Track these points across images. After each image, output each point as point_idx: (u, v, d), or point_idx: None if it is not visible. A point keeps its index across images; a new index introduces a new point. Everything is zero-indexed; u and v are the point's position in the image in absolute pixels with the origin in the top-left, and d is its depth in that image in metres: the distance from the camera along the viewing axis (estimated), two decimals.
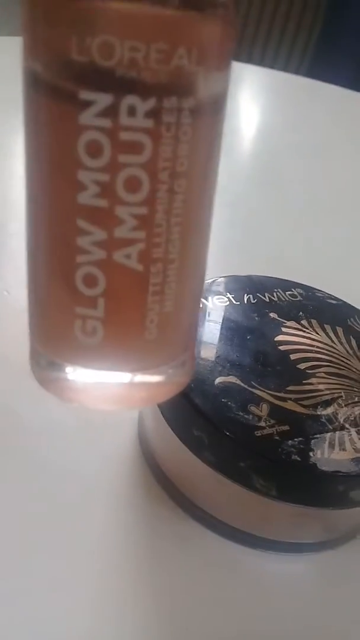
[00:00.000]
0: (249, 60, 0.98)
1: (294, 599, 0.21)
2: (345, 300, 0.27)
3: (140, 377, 0.15)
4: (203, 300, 0.25)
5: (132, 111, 0.11)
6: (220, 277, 0.27)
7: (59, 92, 0.11)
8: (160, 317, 0.14)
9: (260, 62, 1.43)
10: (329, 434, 0.21)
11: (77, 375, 0.15)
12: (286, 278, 0.28)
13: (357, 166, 0.60)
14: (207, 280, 0.26)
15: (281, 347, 0.23)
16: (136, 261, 0.13)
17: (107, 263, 0.13)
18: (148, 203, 0.12)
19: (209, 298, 0.25)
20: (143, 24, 0.11)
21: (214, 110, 0.13)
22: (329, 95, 0.83)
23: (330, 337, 0.25)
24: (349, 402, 0.22)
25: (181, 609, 0.20)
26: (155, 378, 0.15)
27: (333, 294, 0.27)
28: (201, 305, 0.16)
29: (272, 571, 0.22)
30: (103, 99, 0.11)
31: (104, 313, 0.14)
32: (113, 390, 0.15)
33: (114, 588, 0.20)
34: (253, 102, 0.77)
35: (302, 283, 0.28)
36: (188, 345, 0.16)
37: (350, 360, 0.24)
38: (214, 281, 0.26)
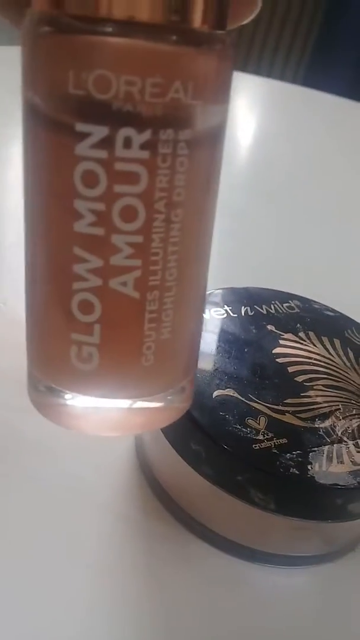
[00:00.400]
0: (245, 69, 0.98)
1: (293, 613, 0.21)
2: (342, 312, 0.27)
3: (139, 404, 0.15)
4: None
5: (127, 143, 0.12)
6: (218, 289, 0.27)
7: (56, 124, 0.12)
8: (157, 344, 0.14)
9: (257, 70, 1.43)
10: (326, 446, 0.21)
11: (75, 401, 0.15)
12: (284, 289, 0.28)
13: (353, 175, 0.60)
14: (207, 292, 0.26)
15: (279, 360, 0.23)
16: (132, 288, 0.13)
17: (103, 290, 0.13)
18: (144, 232, 0.13)
19: (207, 310, 0.25)
20: (138, 58, 0.11)
21: (211, 141, 0.13)
22: (325, 104, 0.83)
23: (327, 349, 0.25)
24: (347, 414, 0.22)
25: (179, 624, 0.20)
26: (154, 404, 0.15)
27: (331, 306, 0.27)
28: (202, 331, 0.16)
29: (271, 585, 0.22)
30: (99, 131, 0.11)
31: (100, 339, 0.14)
32: (111, 417, 0.15)
33: (110, 601, 0.20)
34: (249, 110, 0.77)
35: (300, 295, 0.28)
36: (188, 371, 0.16)
37: (348, 373, 0.24)
38: (211, 293, 0.26)
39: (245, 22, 0.15)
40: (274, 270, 0.37)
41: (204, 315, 0.25)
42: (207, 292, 0.26)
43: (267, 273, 0.36)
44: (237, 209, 0.48)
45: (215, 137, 0.13)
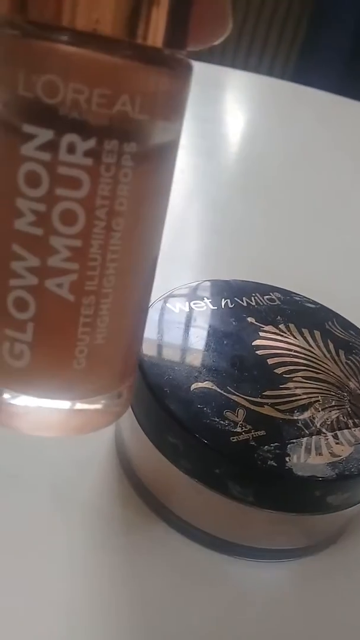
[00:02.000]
0: (233, 64, 0.98)
1: (274, 607, 0.21)
2: (323, 304, 0.27)
3: (78, 406, 0.15)
4: (181, 305, 0.25)
5: (71, 148, 0.12)
6: (198, 282, 0.26)
7: (4, 124, 0.12)
8: (91, 348, 0.14)
9: (245, 66, 1.43)
10: (305, 438, 0.20)
11: (15, 400, 0.14)
12: (267, 282, 0.28)
13: (340, 170, 0.60)
14: (186, 285, 0.26)
15: (258, 352, 0.23)
16: (68, 291, 0.13)
17: (39, 289, 0.13)
18: (83, 237, 0.13)
19: (187, 303, 0.25)
20: (88, 68, 0.11)
21: (159, 156, 0.13)
22: (313, 99, 0.83)
23: (308, 341, 0.24)
24: (326, 406, 0.22)
25: (158, 617, 0.20)
26: (88, 407, 0.15)
27: (313, 298, 0.27)
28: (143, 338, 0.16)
29: (251, 579, 0.22)
30: (44, 134, 0.12)
31: (32, 338, 0.14)
32: (49, 417, 0.15)
33: (89, 595, 0.20)
34: (237, 106, 0.77)
35: (282, 287, 0.28)
36: (125, 377, 0.16)
37: (328, 364, 0.24)
38: (192, 286, 0.26)
39: (215, 43, 0.15)
40: (258, 264, 0.37)
41: (184, 306, 0.25)
42: (188, 285, 0.26)
43: (252, 267, 0.36)
44: (224, 204, 0.48)
45: (164, 153, 0.13)
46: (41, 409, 0.15)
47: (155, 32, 0.12)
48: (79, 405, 0.15)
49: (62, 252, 0.13)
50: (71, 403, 0.15)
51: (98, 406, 0.15)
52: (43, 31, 0.11)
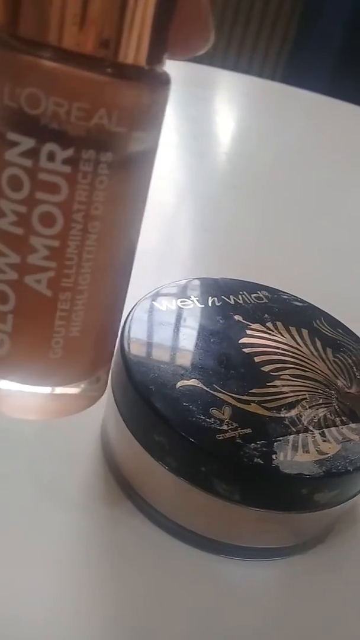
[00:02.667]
0: (224, 65, 0.98)
1: (261, 606, 0.21)
2: (311, 302, 0.27)
3: (57, 390, 0.16)
4: (168, 303, 0.25)
5: (51, 156, 0.13)
6: (185, 279, 0.26)
7: None
8: (66, 340, 0.15)
9: (235, 67, 1.43)
10: (292, 436, 0.20)
11: None
12: (257, 281, 0.27)
13: (330, 171, 0.60)
14: (173, 283, 0.26)
15: (245, 350, 0.23)
16: (45, 287, 0.14)
17: (18, 284, 0.14)
18: (61, 238, 0.14)
19: (174, 301, 0.25)
20: (68, 83, 0.12)
21: (135, 165, 0.14)
22: (303, 100, 0.83)
23: (295, 339, 0.24)
24: (313, 404, 0.22)
25: (143, 617, 0.19)
26: (67, 391, 0.16)
27: (301, 297, 0.27)
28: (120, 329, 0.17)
29: (238, 578, 0.21)
30: (26, 142, 0.13)
31: (12, 328, 0.15)
32: (26, 401, 0.16)
33: (75, 594, 0.19)
34: (228, 107, 0.77)
35: (271, 286, 0.27)
36: (100, 365, 0.17)
37: (315, 362, 0.24)
38: (179, 284, 0.26)
39: (198, 54, 0.15)
40: (248, 263, 0.37)
41: (171, 304, 0.24)
42: (175, 283, 0.26)
43: (242, 265, 0.36)
44: (214, 203, 0.48)
45: (140, 161, 0.14)
46: (22, 392, 0.16)
47: (135, 51, 0.13)
48: (58, 390, 0.16)
49: (41, 251, 0.14)
50: (51, 388, 0.16)
51: (76, 391, 0.16)
52: (29, 47, 0.12)
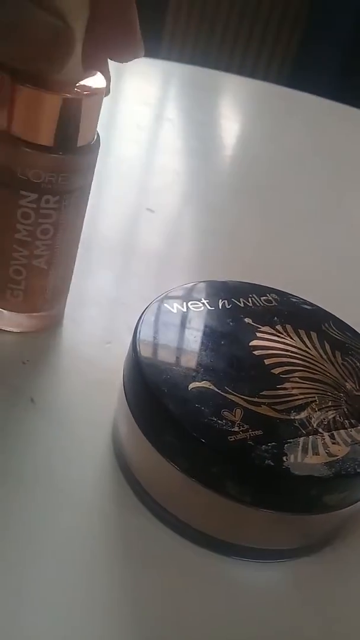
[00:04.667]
0: (228, 69, 0.98)
1: (269, 606, 0.21)
2: (319, 305, 0.27)
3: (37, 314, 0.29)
4: (178, 305, 0.25)
5: (47, 201, 0.24)
6: (196, 282, 0.27)
7: (9, 188, 0.24)
8: (51, 290, 0.28)
9: (240, 71, 1.44)
10: (302, 438, 0.20)
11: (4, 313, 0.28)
12: (263, 284, 0.28)
13: (334, 175, 0.60)
14: (183, 286, 0.26)
15: (255, 352, 0.23)
16: (44, 264, 0.26)
17: (28, 265, 0.26)
18: (51, 240, 0.26)
19: (184, 303, 0.25)
20: (49, 164, 0.23)
21: (81, 194, 0.25)
22: (308, 104, 0.83)
23: (304, 342, 0.25)
24: (323, 406, 0.22)
25: (154, 618, 0.20)
26: (45, 314, 0.29)
27: (309, 300, 0.27)
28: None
29: (247, 578, 0.22)
30: (32, 195, 0.24)
31: (24, 287, 0.27)
32: (19, 320, 0.28)
33: (85, 596, 0.20)
34: (233, 110, 0.78)
35: (278, 289, 0.28)
36: (56, 301, 0.29)
37: (324, 365, 0.24)
38: (189, 287, 0.26)
39: (127, 62, 0.23)
40: (255, 266, 0.37)
41: (182, 307, 0.25)
42: (186, 286, 0.26)
43: (249, 268, 0.36)
44: (220, 206, 0.48)
45: (81, 192, 0.25)
46: (18, 315, 0.28)
47: (66, 142, 0.23)
48: (44, 313, 0.29)
49: (40, 247, 0.26)
50: (37, 314, 0.28)
51: (50, 313, 0.29)
52: (27, 143, 0.23)
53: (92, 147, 0.24)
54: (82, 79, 0.23)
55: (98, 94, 0.23)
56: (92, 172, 0.25)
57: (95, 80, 0.23)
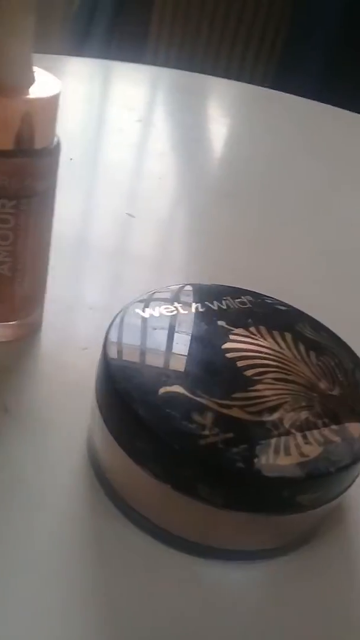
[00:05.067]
0: (214, 72, 0.98)
1: (246, 608, 0.21)
2: (298, 307, 0.27)
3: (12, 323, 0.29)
4: (150, 310, 0.25)
5: (3, 205, 0.24)
6: (170, 286, 0.27)
7: None
8: (19, 298, 0.27)
9: (226, 74, 1.44)
10: (274, 439, 0.20)
11: None
12: (245, 286, 0.28)
13: (321, 177, 0.60)
14: (157, 290, 0.26)
15: (228, 355, 0.23)
16: (7, 271, 0.26)
17: None
18: (12, 245, 0.25)
19: (157, 308, 0.25)
20: (13, 169, 0.24)
21: (45, 196, 0.25)
22: (293, 106, 0.84)
23: (278, 343, 0.25)
24: (296, 407, 0.22)
25: (129, 622, 0.20)
26: (20, 322, 0.29)
27: (287, 301, 0.27)
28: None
29: (223, 580, 0.22)
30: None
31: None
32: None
33: (59, 602, 0.20)
34: (219, 113, 0.78)
35: (257, 291, 0.28)
36: (36, 305, 0.29)
37: (298, 366, 0.24)
38: (162, 291, 0.26)
39: None
40: (240, 269, 0.37)
41: (153, 311, 0.25)
42: (159, 289, 0.26)
43: (233, 272, 0.36)
44: (203, 209, 0.48)
45: (42, 197, 0.25)
46: None
47: (27, 144, 0.23)
48: (17, 322, 0.28)
49: (2, 254, 0.25)
50: (10, 323, 0.28)
51: (24, 321, 0.29)
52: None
53: (52, 151, 0.24)
54: (34, 83, 0.23)
55: (52, 97, 0.23)
56: (53, 176, 0.25)
57: (50, 84, 0.23)
